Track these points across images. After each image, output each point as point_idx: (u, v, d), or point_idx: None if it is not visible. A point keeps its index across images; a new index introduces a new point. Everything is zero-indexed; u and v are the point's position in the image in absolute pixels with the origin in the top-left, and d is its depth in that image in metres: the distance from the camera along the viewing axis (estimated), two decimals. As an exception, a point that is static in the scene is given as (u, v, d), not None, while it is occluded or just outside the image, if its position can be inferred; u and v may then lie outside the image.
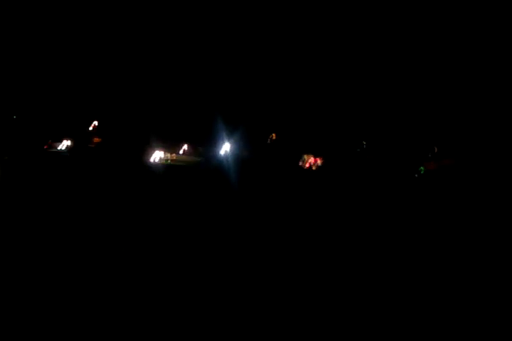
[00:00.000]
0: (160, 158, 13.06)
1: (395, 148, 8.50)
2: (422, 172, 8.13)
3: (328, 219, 7.79)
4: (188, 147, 13.60)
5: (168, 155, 13.23)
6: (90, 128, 14.14)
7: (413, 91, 8.32)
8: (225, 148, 9.65)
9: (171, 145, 13.27)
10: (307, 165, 9.76)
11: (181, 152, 14.34)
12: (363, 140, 8.74)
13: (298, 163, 9.65)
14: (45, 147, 13.15)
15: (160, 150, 12.97)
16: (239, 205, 8.16)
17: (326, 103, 8.69)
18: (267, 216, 7.71)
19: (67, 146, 13.62)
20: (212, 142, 10.18)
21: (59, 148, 13.50)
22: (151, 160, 13.00)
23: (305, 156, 9.74)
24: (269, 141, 9.04)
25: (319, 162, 9.53)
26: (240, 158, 9.25)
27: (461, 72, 8.10)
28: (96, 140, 14.35)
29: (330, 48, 8.35)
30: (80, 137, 13.64)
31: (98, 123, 13.57)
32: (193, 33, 8.74)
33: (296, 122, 9.12)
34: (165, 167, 12.92)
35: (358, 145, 8.80)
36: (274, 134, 9.14)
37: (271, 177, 9.13)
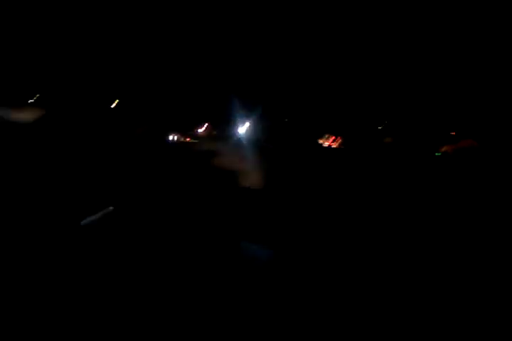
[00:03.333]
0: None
1: (414, 129, 8.15)
2: (438, 154, 7.75)
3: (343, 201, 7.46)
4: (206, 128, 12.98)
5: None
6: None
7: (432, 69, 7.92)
8: (243, 128, 9.36)
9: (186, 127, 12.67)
10: (328, 144, 9.52)
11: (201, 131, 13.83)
12: (385, 119, 8.42)
13: (318, 141, 9.46)
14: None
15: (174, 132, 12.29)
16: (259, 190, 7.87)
17: (346, 81, 8.38)
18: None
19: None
20: (228, 122, 9.85)
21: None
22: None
23: (326, 135, 9.45)
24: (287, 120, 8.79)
25: (339, 141, 9.26)
26: (258, 138, 8.99)
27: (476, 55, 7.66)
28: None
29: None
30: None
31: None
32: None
33: (314, 99, 8.81)
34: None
35: (380, 123, 8.49)
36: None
37: (290, 158, 8.85)
